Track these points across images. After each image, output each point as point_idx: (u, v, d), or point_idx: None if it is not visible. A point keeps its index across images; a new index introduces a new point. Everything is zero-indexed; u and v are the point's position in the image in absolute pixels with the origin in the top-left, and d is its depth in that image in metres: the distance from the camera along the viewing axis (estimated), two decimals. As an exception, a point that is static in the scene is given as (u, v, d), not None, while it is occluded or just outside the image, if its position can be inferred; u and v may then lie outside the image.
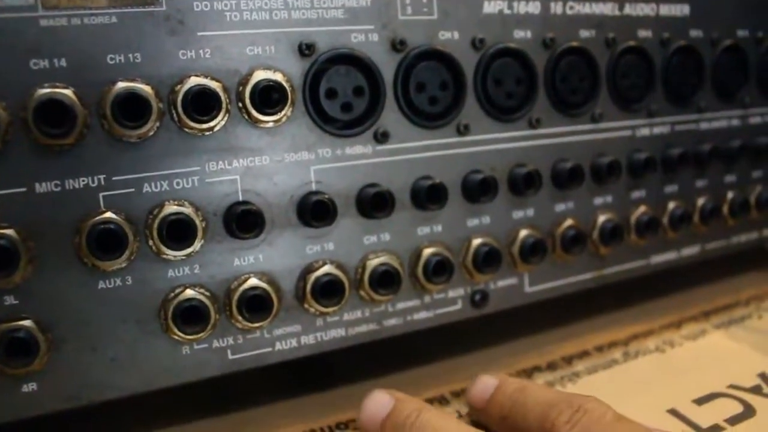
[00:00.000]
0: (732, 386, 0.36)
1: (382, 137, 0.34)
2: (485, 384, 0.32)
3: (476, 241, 0.36)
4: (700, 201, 0.44)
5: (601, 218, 0.40)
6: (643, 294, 0.47)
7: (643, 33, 0.41)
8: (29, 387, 0.28)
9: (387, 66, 0.33)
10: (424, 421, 0.29)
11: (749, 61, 0.45)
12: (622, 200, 0.42)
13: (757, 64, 0.45)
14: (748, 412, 0.34)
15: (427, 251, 0.35)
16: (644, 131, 0.42)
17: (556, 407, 0.29)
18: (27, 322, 0.27)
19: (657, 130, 0.42)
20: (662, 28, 0.41)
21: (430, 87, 0.34)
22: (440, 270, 0.34)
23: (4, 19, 0.26)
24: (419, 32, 0.34)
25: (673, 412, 0.34)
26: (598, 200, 0.41)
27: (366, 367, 0.38)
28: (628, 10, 0.40)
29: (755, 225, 0.48)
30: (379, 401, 0.31)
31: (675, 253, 0.44)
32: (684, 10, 0.42)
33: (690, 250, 0.45)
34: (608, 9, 0.39)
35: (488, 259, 0.36)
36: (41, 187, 0.28)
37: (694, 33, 0.43)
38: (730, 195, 0.46)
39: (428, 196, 0.34)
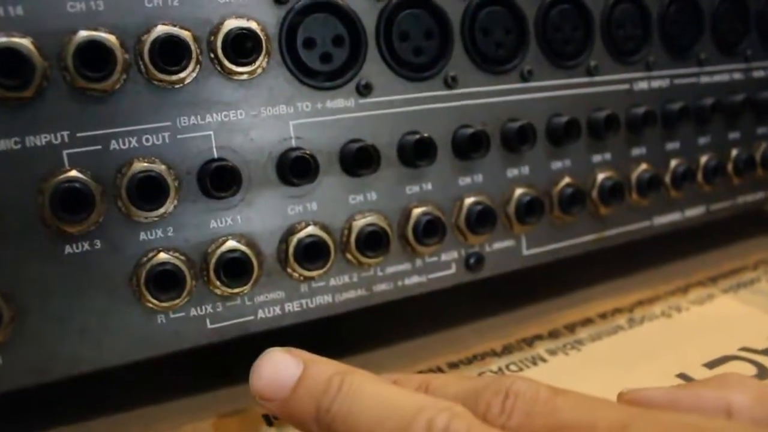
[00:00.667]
0: (744, 348, 0.35)
1: (364, 89, 0.32)
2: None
3: (469, 200, 0.35)
4: (703, 158, 0.43)
5: (600, 176, 0.39)
6: (647, 260, 0.45)
7: None
8: None
9: (367, 14, 0.32)
10: (355, 387, 0.25)
11: (750, 11, 0.44)
12: (622, 157, 0.40)
13: (758, 14, 0.44)
14: (763, 373, 0.33)
15: (417, 211, 0.33)
16: (642, 85, 0.41)
17: (481, 399, 0.25)
18: None
19: (655, 83, 0.41)
20: None
21: (414, 36, 0.33)
22: (431, 230, 0.33)
23: None
24: None
25: (683, 377, 0.33)
26: (597, 157, 0.39)
27: (353, 339, 0.36)
28: None
29: (761, 184, 0.47)
30: (281, 364, 0.26)
31: (679, 213, 0.43)
32: None
33: (694, 211, 0.44)
34: None
35: (482, 219, 0.34)
36: (0, 145, 0.26)
37: None
38: (734, 152, 0.45)
39: (416, 151, 0.33)
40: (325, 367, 0.26)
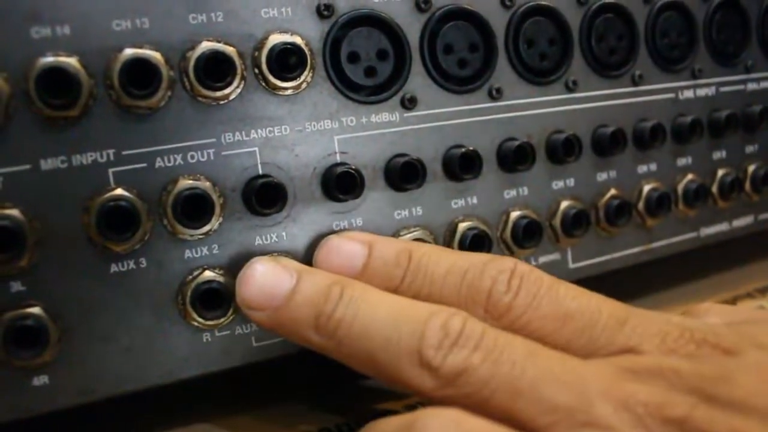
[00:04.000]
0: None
1: (409, 103, 0.32)
2: (351, 251, 0.29)
3: (515, 214, 0.34)
4: (751, 167, 0.43)
5: (647, 187, 0.39)
6: (693, 271, 0.45)
7: None
8: (40, 380, 0.27)
9: (412, 27, 0.32)
10: (358, 294, 0.26)
11: None
12: (668, 168, 0.40)
13: None
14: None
15: (463, 225, 0.33)
16: (688, 93, 0.40)
17: (485, 275, 0.26)
18: (35, 309, 0.26)
19: (701, 91, 0.41)
20: None
21: (459, 49, 0.33)
22: (478, 245, 0.33)
23: None
24: None
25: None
26: (643, 168, 0.39)
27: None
28: None
29: None
30: (272, 273, 0.27)
31: (726, 224, 0.43)
32: None
33: (742, 221, 0.43)
34: None
35: (528, 233, 0.34)
36: (47, 164, 0.26)
37: None
38: None
39: (461, 165, 0.33)
40: (321, 275, 0.27)
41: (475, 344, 0.23)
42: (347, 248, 0.29)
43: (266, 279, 0.27)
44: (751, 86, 0.42)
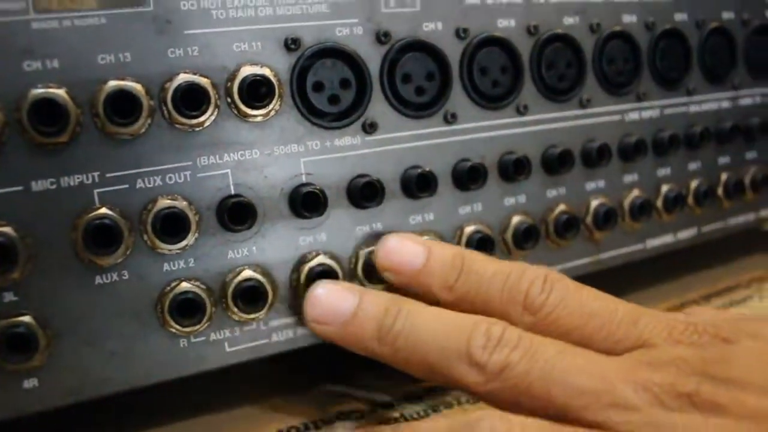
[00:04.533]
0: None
1: (370, 128, 0.34)
2: (412, 251, 0.33)
3: (469, 229, 0.37)
4: (694, 183, 0.45)
5: (594, 203, 0.41)
6: (643, 280, 0.47)
7: (628, 18, 0.41)
8: (30, 383, 0.29)
9: (372, 58, 0.34)
10: (413, 310, 0.30)
11: (736, 42, 0.46)
12: (615, 184, 0.42)
13: (744, 45, 0.46)
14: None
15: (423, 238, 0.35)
16: (633, 115, 0.42)
17: (524, 278, 0.30)
18: (26, 318, 0.28)
19: (646, 113, 0.43)
20: (647, 13, 0.42)
21: (416, 78, 0.35)
22: (434, 257, 0.35)
23: None
24: (403, 24, 0.35)
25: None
26: (590, 185, 0.41)
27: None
28: None
29: (751, 206, 0.48)
30: (337, 293, 0.32)
31: (671, 236, 0.45)
32: None
33: (686, 233, 0.45)
34: None
35: (481, 246, 0.36)
36: (37, 186, 0.28)
37: (679, 16, 0.43)
38: (724, 176, 0.46)
39: (418, 184, 0.35)
40: (379, 296, 0.31)
41: (514, 345, 0.27)
42: (408, 249, 0.32)
43: (331, 299, 0.31)
44: (693, 108, 0.44)
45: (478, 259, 0.32)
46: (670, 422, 0.25)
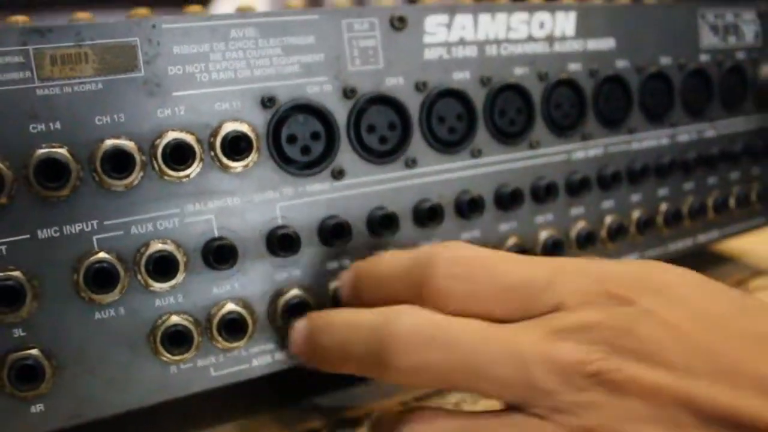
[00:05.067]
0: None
1: (338, 175, 0.37)
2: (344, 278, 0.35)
3: None
4: (636, 214, 0.48)
5: (543, 234, 0.44)
6: None
7: (574, 66, 0.45)
8: (37, 408, 0.31)
9: (340, 112, 0.37)
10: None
11: (674, 85, 0.49)
12: (562, 217, 0.45)
13: (681, 87, 0.50)
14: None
15: None
16: (579, 154, 0.46)
17: (428, 270, 0.30)
18: (34, 351, 0.30)
19: (591, 152, 0.46)
20: (590, 61, 0.45)
21: (380, 128, 0.38)
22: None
23: (5, 90, 0.30)
24: (367, 80, 0.38)
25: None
26: (539, 218, 0.44)
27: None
28: (558, 47, 0.44)
29: (689, 232, 0.52)
30: (296, 330, 0.35)
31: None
32: (610, 43, 0.46)
33: (629, 259, 0.49)
34: (540, 47, 0.43)
35: None
36: (42, 234, 0.31)
37: (621, 63, 0.47)
38: (663, 207, 0.50)
39: (382, 224, 0.38)
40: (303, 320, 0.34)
41: (427, 341, 0.27)
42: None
43: (295, 335, 0.34)
44: (635, 145, 0.48)
45: (383, 260, 0.33)
46: (577, 403, 0.25)
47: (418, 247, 0.33)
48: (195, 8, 0.38)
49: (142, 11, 0.35)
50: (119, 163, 0.32)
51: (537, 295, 0.28)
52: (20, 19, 0.32)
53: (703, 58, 0.51)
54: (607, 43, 0.46)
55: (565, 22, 0.44)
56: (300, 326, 0.34)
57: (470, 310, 0.29)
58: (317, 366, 0.33)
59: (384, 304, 0.30)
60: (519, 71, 0.43)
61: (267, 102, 0.35)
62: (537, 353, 0.26)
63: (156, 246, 0.33)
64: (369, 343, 0.29)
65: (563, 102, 0.44)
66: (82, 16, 0.36)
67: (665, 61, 0.49)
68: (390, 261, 0.33)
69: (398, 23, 0.38)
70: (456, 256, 0.30)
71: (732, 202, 0.53)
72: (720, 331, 0.26)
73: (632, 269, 0.29)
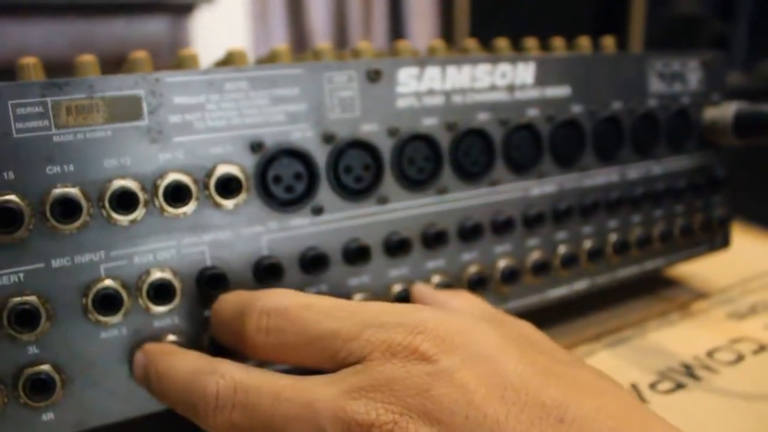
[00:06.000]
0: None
1: (318, 211, 0.41)
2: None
3: (396, 288, 0.44)
4: (587, 244, 0.52)
5: (502, 263, 0.48)
6: (542, 323, 0.53)
7: (532, 112, 0.49)
8: (47, 416, 0.34)
9: (320, 155, 0.40)
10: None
11: (624, 127, 0.54)
12: (519, 247, 0.49)
13: (630, 128, 0.54)
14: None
15: (358, 297, 0.43)
16: (536, 191, 0.50)
17: (244, 321, 0.32)
18: (46, 366, 0.33)
19: (547, 188, 0.50)
20: (548, 107, 0.49)
21: (356, 169, 0.42)
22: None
23: (27, 137, 0.33)
24: (345, 127, 0.41)
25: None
26: (499, 248, 0.48)
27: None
28: (518, 94, 0.48)
29: (637, 260, 0.56)
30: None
31: (567, 288, 0.52)
32: (566, 90, 0.50)
33: (580, 285, 0.53)
34: (501, 95, 0.48)
35: (406, 301, 0.43)
36: (56, 263, 0.34)
37: (576, 108, 0.51)
38: (612, 238, 0.54)
39: (356, 254, 0.42)
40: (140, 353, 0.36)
41: (231, 404, 0.28)
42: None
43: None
44: (587, 182, 0.52)
45: (220, 303, 0.35)
46: None
47: (253, 291, 0.35)
48: (188, 52, 0.42)
49: (142, 53, 0.40)
50: (125, 201, 0.35)
51: (341, 346, 0.28)
52: (38, 77, 0.36)
53: (652, 102, 0.55)
54: (563, 90, 0.50)
55: (525, 72, 0.49)
56: (138, 358, 0.36)
57: (284, 359, 0.30)
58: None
59: (226, 345, 0.34)
60: (482, 117, 0.47)
61: (255, 147, 0.38)
62: (330, 410, 0.26)
63: (156, 274, 0.36)
64: (183, 400, 0.31)
65: (522, 144, 0.49)
66: (88, 59, 0.40)
67: (617, 105, 0.53)
68: (224, 305, 0.35)
69: (374, 75, 0.43)
70: (269, 308, 0.31)
71: (676, 232, 0.58)
72: (514, 397, 0.25)
73: (450, 324, 0.28)
